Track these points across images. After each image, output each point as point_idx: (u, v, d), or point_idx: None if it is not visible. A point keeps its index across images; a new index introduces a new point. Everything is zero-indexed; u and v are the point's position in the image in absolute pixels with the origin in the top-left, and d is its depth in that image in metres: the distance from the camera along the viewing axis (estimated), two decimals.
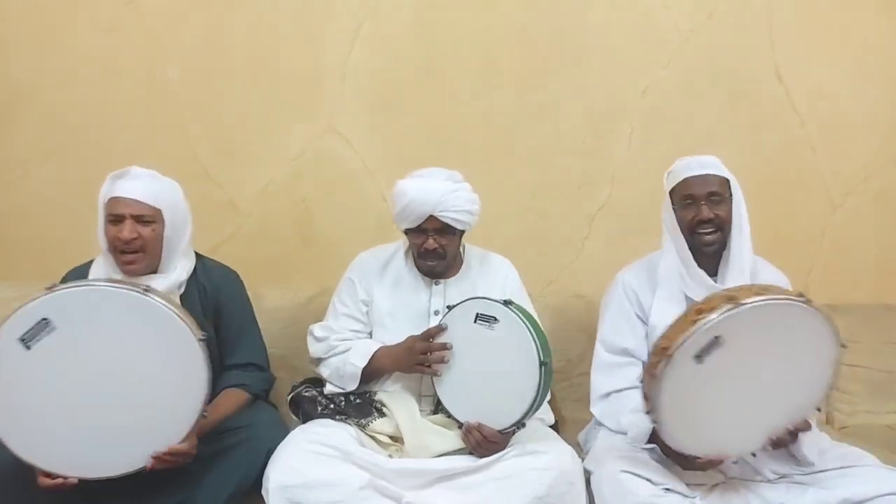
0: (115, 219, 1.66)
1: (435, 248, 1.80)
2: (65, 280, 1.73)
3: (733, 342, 1.45)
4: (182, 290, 1.76)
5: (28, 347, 1.38)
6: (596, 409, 1.85)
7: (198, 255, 1.85)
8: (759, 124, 2.47)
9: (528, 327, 1.60)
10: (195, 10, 2.39)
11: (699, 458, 1.55)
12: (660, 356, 1.47)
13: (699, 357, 1.45)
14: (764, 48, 2.45)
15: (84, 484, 1.45)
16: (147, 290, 1.46)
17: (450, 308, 1.74)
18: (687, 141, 2.29)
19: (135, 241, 1.66)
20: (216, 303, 1.81)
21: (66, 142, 2.42)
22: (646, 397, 1.50)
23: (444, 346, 1.70)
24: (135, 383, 1.44)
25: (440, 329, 1.72)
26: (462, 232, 1.85)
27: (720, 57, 2.44)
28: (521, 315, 1.62)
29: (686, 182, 1.78)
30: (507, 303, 1.65)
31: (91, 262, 1.78)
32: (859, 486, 1.52)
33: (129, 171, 1.70)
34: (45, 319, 1.39)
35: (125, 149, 2.41)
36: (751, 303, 1.44)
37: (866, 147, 2.50)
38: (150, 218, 1.68)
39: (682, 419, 1.51)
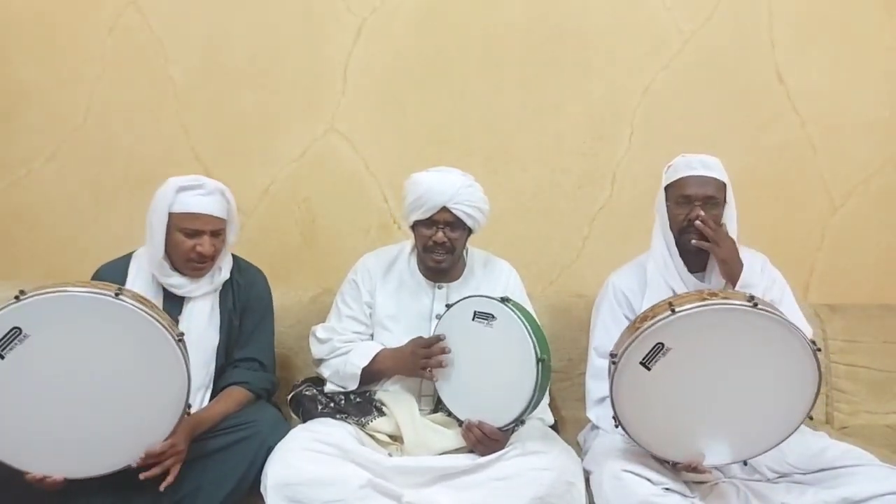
0: (192, 233, 1.70)
1: (444, 242, 1.79)
2: (97, 276, 1.76)
3: (681, 349, 1.44)
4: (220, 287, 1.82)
5: (1, 357, 1.37)
6: (592, 413, 1.85)
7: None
8: (760, 124, 2.47)
9: (525, 324, 1.60)
10: (197, 10, 2.40)
11: (677, 462, 1.56)
12: (611, 362, 1.50)
13: (645, 364, 1.45)
14: (764, 49, 2.45)
15: (81, 481, 1.45)
16: (119, 291, 1.45)
17: (448, 307, 1.75)
18: (687, 141, 2.29)
19: (212, 253, 1.73)
20: (246, 299, 1.86)
21: (68, 142, 2.43)
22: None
23: (443, 351, 1.71)
24: (113, 385, 1.44)
25: (439, 339, 1.72)
26: (469, 232, 1.86)
27: (721, 57, 2.44)
28: (518, 312, 1.62)
29: (685, 181, 1.77)
30: (504, 300, 1.65)
31: (129, 256, 1.80)
32: (859, 485, 1.51)
33: (202, 185, 1.72)
34: (16, 328, 1.37)
35: (128, 149, 2.43)
36: (685, 310, 1.42)
37: (866, 147, 2.49)
38: (221, 231, 1.76)
39: (643, 424, 1.51)
